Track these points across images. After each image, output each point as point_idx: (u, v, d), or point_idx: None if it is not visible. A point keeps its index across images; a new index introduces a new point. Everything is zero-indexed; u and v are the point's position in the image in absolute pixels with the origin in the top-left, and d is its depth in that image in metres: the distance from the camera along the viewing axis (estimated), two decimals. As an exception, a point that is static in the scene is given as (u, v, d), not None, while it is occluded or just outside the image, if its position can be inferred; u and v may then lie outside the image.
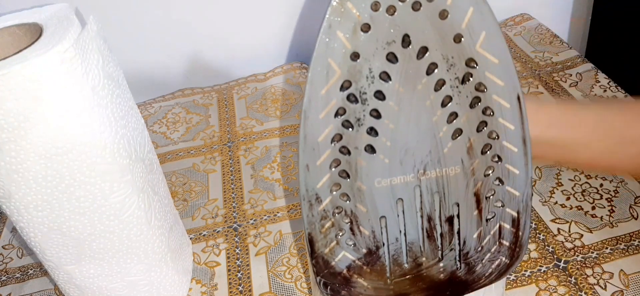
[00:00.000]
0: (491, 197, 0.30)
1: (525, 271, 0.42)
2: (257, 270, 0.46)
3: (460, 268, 0.31)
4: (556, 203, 0.47)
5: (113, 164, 0.34)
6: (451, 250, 0.31)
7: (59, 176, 0.33)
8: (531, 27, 0.71)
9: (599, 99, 0.46)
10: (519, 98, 0.27)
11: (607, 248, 0.42)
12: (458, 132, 0.28)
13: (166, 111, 0.68)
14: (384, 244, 0.31)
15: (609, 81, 0.59)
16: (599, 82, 0.59)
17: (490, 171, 0.29)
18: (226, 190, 0.55)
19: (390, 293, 0.32)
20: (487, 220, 0.30)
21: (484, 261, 0.31)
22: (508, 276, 0.42)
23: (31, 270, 0.50)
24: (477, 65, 0.27)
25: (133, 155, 0.36)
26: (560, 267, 0.42)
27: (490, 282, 0.32)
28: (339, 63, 0.26)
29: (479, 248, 0.31)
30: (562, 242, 0.43)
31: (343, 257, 0.31)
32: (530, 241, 0.44)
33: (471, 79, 0.27)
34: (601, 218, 0.45)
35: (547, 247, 0.43)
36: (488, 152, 0.29)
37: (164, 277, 0.42)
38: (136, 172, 0.36)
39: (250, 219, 0.51)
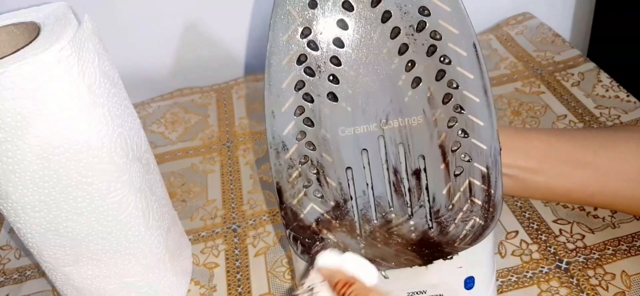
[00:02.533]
0: (457, 150, 0.30)
1: (527, 272, 0.42)
2: (256, 271, 0.46)
3: (432, 227, 0.32)
4: (558, 203, 0.46)
5: (110, 164, 0.34)
6: (421, 206, 0.31)
7: (56, 176, 0.33)
8: (533, 26, 0.71)
9: (542, 128, 0.47)
10: (475, 46, 0.28)
11: (609, 249, 0.42)
12: (417, 80, 0.29)
13: (165, 111, 0.68)
14: (351, 197, 0.31)
15: (611, 81, 0.59)
16: (601, 81, 0.59)
17: (453, 122, 0.30)
18: (225, 191, 0.55)
19: (360, 251, 0.32)
20: (455, 175, 0.31)
21: (456, 220, 0.32)
22: (504, 280, 0.42)
23: (29, 271, 0.49)
24: (429, 13, 0.27)
25: (130, 155, 0.36)
26: (562, 268, 0.41)
27: (467, 245, 0.32)
28: (297, 11, 0.28)
29: (450, 206, 0.31)
30: (564, 243, 0.43)
31: (311, 209, 0.32)
32: (532, 242, 0.44)
33: (426, 27, 0.28)
34: (603, 218, 0.44)
35: (548, 248, 0.43)
36: (449, 102, 0.29)
37: (163, 278, 0.41)
38: (133, 172, 0.36)
39: (250, 220, 0.51)
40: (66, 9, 0.34)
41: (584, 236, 0.43)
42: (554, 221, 0.45)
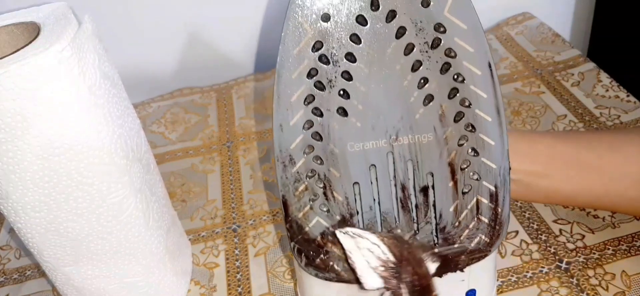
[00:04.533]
0: (466, 168, 0.30)
1: (527, 272, 0.42)
2: (256, 271, 0.46)
3: (438, 243, 0.31)
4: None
5: (111, 165, 0.34)
6: (427, 223, 0.31)
7: (57, 177, 0.33)
8: (533, 26, 0.71)
9: (546, 131, 0.47)
10: (490, 65, 0.28)
11: (609, 249, 0.42)
12: (429, 98, 0.28)
13: (164, 111, 0.68)
14: (357, 212, 0.31)
15: (611, 81, 0.59)
16: (601, 81, 0.59)
17: (464, 141, 0.29)
18: (225, 191, 0.55)
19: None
20: (463, 193, 0.30)
21: (462, 237, 0.31)
22: (509, 278, 0.42)
23: (29, 271, 0.49)
24: (445, 30, 0.27)
25: (130, 155, 0.36)
26: (562, 268, 0.41)
27: (472, 262, 0.32)
28: (310, 24, 0.27)
29: (456, 223, 0.31)
30: (564, 243, 0.43)
31: (317, 223, 0.31)
32: (532, 241, 0.44)
33: (440, 44, 0.27)
34: (603, 218, 0.44)
35: (549, 248, 0.43)
36: (461, 120, 0.29)
37: (163, 278, 0.41)
38: (134, 172, 0.36)
39: (250, 220, 0.51)
40: (66, 9, 0.34)
41: (584, 236, 0.43)
42: (554, 221, 0.45)
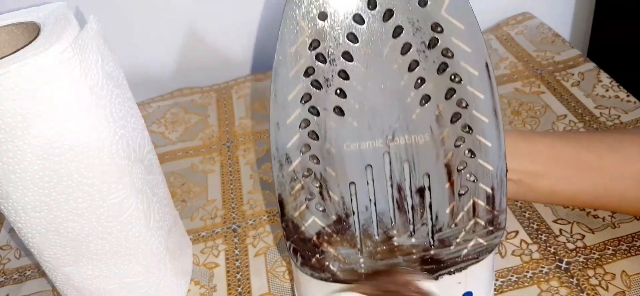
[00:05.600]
0: (463, 170, 0.30)
1: (527, 272, 0.42)
2: (256, 271, 0.46)
3: (433, 245, 0.31)
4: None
5: (111, 166, 0.34)
6: (423, 224, 0.31)
7: (57, 177, 0.33)
8: (533, 26, 0.71)
9: (546, 132, 0.47)
10: (487, 66, 0.27)
11: (609, 248, 0.42)
12: (426, 98, 0.28)
13: (165, 111, 0.68)
14: (353, 212, 0.31)
15: (611, 81, 0.59)
16: (601, 81, 0.59)
17: (461, 142, 0.29)
18: (225, 191, 0.55)
19: (361, 266, 0.32)
20: (460, 195, 0.30)
21: (458, 239, 0.31)
22: (508, 278, 0.42)
23: (29, 271, 0.49)
24: (442, 30, 0.27)
25: (132, 156, 0.36)
26: (562, 268, 0.41)
27: (468, 264, 0.32)
28: (307, 22, 0.27)
29: (453, 225, 0.31)
30: (564, 243, 0.43)
31: (313, 222, 0.31)
32: (532, 241, 0.44)
33: (438, 44, 0.27)
34: (603, 218, 0.44)
35: (549, 248, 0.43)
36: (458, 121, 0.29)
37: (163, 279, 0.41)
38: (135, 173, 0.36)
39: (250, 220, 0.51)
40: (66, 9, 0.34)
41: (584, 236, 0.43)
42: (554, 221, 0.45)
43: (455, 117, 0.28)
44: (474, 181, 0.30)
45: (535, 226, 0.45)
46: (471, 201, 0.30)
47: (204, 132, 0.63)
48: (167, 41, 0.72)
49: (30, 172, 0.32)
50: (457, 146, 0.29)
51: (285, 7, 0.26)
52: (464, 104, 0.28)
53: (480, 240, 0.31)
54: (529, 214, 0.46)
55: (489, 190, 0.30)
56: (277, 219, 0.50)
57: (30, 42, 0.31)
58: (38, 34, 0.32)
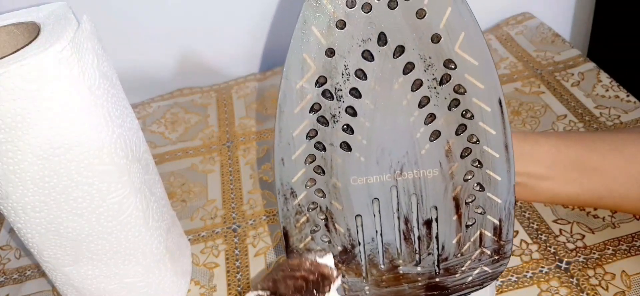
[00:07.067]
0: (471, 203, 0.29)
1: (527, 272, 0.42)
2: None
3: (439, 274, 0.31)
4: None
5: (110, 165, 0.34)
6: (429, 254, 0.31)
7: (57, 177, 0.33)
8: (533, 26, 0.71)
9: (548, 133, 0.47)
10: (500, 102, 0.27)
11: (609, 248, 0.42)
12: (436, 134, 0.28)
13: (165, 111, 0.68)
14: (359, 243, 0.30)
15: (611, 81, 0.59)
16: (601, 81, 0.59)
17: (470, 176, 0.28)
18: (225, 191, 0.55)
19: (366, 293, 0.32)
20: (467, 226, 0.30)
21: (464, 267, 0.31)
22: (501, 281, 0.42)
23: (29, 271, 0.49)
24: (455, 66, 0.26)
25: (130, 155, 0.36)
26: (562, 268, 0.41)
27: (472, 290, 0.32)
28: (314, 58, 0.26)
29: (459, 255, 0.30)
30: (564, 243, 0.43)
31: None
32: (532, 241, 0.44)
33: (450, 80, 0.26)
34: (603, 218, 0.44)
35: (548, 248, 0.43)
36: (468, 156, 0.28)
37: (162, 279, 0.41)
38: (133, 172, 0.36)
39: (250, 220, 0.51)
40: (66, 9, 0.34)
41: (584, 236, 0.43)
42: (554, 221, 0.45)
43: (466, 153, 0.28)
44: (482, 213, 0.29)
45: (535, 226, 0.45)
46: (478, 232, 0.30)
47: (204, 132, 0.63)
48: (167, 41, 0.72)
49: (30, 172, 0.32)
50: (466, 180, 0.28)
51: (291, 42, 0.26)
52: (474, 140, 0.27)
53: (486, 268, 0.31)
54: (529, 214, 0.46)
55: (497, 222, 0.29)
56: (277, 220, 0.50)
57: (30, 42, 0.31)
58: (38, 34, 0.32)
